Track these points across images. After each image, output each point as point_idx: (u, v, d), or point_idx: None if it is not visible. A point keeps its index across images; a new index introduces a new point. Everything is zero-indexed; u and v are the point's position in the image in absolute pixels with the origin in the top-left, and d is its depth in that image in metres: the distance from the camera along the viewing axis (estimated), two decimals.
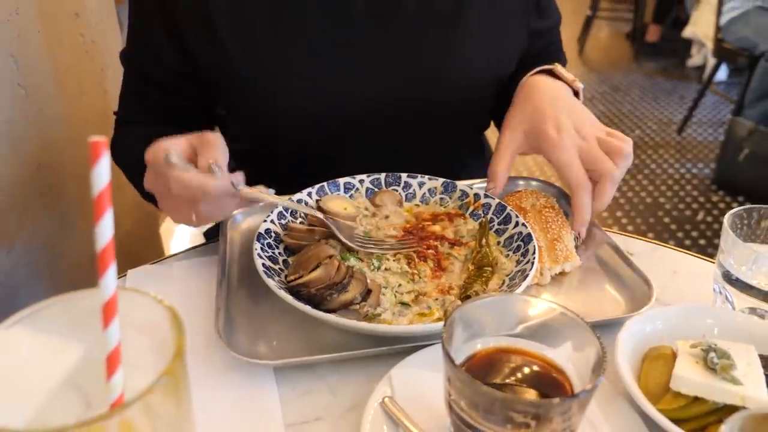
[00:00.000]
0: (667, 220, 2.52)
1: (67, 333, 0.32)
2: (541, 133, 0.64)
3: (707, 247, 2.33)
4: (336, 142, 0.73)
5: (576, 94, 0.72)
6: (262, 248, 0.56)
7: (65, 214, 0.94)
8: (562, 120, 0.63)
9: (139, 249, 1.23)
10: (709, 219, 2.55)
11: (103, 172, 0.28)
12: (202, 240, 0.77)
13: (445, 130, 0.80)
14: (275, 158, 0.80)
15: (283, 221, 0.62)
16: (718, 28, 2.99)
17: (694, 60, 4.38)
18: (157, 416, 0.31)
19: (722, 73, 4.05)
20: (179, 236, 1.94)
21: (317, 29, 0.70)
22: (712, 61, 3.38)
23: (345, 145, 0.73)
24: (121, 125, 0.83)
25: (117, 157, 0.77)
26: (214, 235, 0.85)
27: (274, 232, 0.60)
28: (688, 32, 3.93)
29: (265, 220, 0.60)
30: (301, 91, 0.71)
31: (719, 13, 2.98)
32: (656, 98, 3.94)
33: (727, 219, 0.52)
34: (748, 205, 0.54)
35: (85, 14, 1.00)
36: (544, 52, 0.84)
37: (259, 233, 0.57)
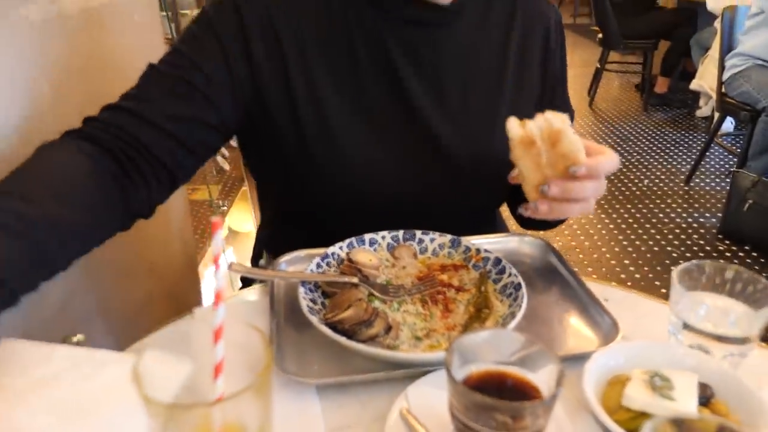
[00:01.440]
0: (674, 268, 2.62)
1: (186, 349, 0.47)
2: None
3: None
4: (370, 210, 0.86)
5: None
6: (305, 292, 0.70)
7: None
8: None
9: (185, 291, 1.37)
10: None
11: (219, 241, 0.43)
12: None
13: (467, 203, 0.93)
14: (309, 217, 0.92)
15: (320, 270, 0.76)
16: (721, 84, 3.12)
17: (703, 111, 4.49)
18: (247, 413, 0.44)
19: (729, 125, 4.15)
20: (210, 281, 2.09)
21: (379, 111, 0.84)
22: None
23: (377, 212, 0.85)
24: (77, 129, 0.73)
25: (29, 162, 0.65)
26: (246, 283, 0.97)
27: (312, 281, 0.74)
28: (694, 85, 4.05)
29: (305, 271, 0.75)
30: (356, 167, 0.83)
31: (721, 68, 3.11)
32: (665, 148, 4.05)
33: (675, 273, 0.65)
34: (696, 261, 0.67)
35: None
36: None
37: (303, 281, 0.72)
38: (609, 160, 0.71)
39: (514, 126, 0.70)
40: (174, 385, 0.45)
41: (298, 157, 0.84)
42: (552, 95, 0.97)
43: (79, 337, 0.60)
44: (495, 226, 1.07)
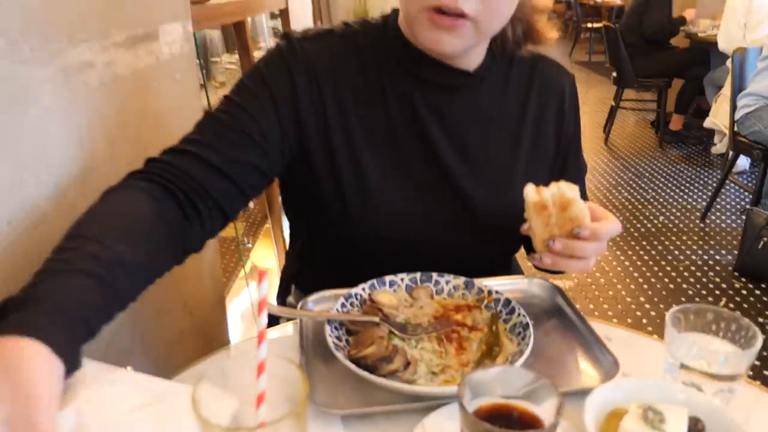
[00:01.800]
0: (690, 305, 2.64)
1: (227, 382, 0.54)
2: None
3: None
4: (395, 252, 0.93)
5: None
6: (331, 330, 0.78)
7: None
8: None
9: (214, 327, 1.45)
10: (732, 305, 2.66)
11: (264, 288, 0.50)
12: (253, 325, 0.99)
13: (486, 249, 1.02)
14: (338, 255, 1.00)
15: (344, 309, 0.84)
16: (734, 123, 3.17)
17: (717, 148, 4.52)
18: None
19: (745, 162, 4.18)
20: (235, 318, 2.17)
21: (410, 165, 0.93)
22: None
23: (401, 254, 0.93)
24: (142, 170, 0.80)
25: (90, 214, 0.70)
26: (273, 319, 1.05)
27: (337, 320, 0.82)
28: (708, 123, 4.10)
29: (331, 310, 0.82)
30: (387, 215, 0.92)
31: (733, 108, 3.17)
32: (680, 185, 4.08)
33: (668, 316, 0.72)
34: (685, 305, 0.73)
35: None
36: None
37: (329, 320, 0.79)
38: (611, 225, 0.81)
39: (530, 192, 0.80)
40: (226, 413, 0.53)
41: (333, 202, 0.92)
42: (566, 153, 1.05)
43: (129, 369, 0.68)
44: (510, 269, 1.14)
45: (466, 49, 0.87)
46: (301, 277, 1.14)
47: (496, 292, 0.86)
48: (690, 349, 0.71)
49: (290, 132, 0.89)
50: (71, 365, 0.54)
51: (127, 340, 0.98)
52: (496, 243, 1.02)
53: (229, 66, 2.66)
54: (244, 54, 2.51)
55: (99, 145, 0.89)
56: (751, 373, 0.67)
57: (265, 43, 3.38)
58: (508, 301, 0.84)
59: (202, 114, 1.31)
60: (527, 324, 0.79)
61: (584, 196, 1.11)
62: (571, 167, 1.06)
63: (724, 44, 4.25)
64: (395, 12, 0.95)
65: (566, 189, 0.78)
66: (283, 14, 3.29)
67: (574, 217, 0.78)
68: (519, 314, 0.81)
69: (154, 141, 1.08)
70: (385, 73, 0.93)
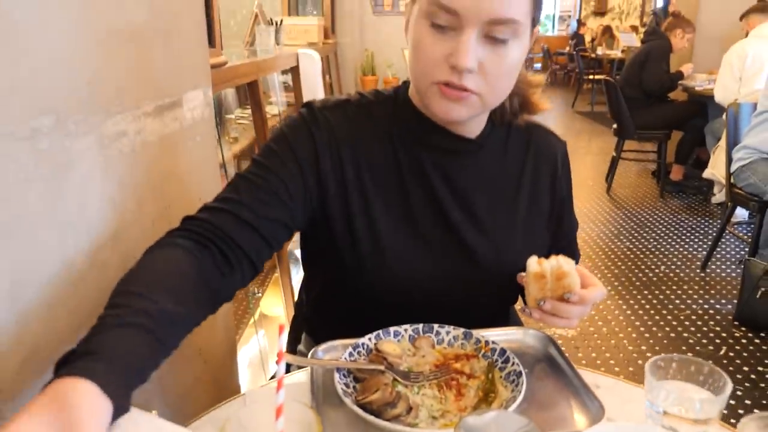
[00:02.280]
0: (691, 354, 2.66)
1: (244, 426, 0.61)
2: None
3: None
4: (404, 301, 1.02)
5: None
6: (339, 377, 0.84)
7: None
8: None
9: (226, 374, 1.51)
10: (732, 354, 2.69)
11: (284, 340, 0.58)
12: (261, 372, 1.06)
13: (488, 300, 1.10)
14: (349, 304, 1.08)
15: (352, 358, 0.91)
16: (730, 175, 3.25)
17: (717, 198, 4.60)
18: None
19: (744, 213, 4.24)
20: (243, 365, 2.22)
21: (422, 224, 1.02)
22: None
23: (410, 303, 1.02)
24: (178, 230, 0.87)
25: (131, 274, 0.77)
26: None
27: (346, 368, 0.88)
28: (707, 174, 4.18)
29: (339, 359, 0.89)
30: (400, 271, 1.00)
31: (729, 161, 3.26)
32: (681, 235, 4.14)
33: (647, 365, 0.78)
34: (663, 355, 0.80)
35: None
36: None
37: (337, 368, 0.86)
38: (598, 292, 0.92)
39: (533, 263, 0.90)
40: None
41: (349, 258, 1.01)
42: (561, 212, 1.15)
43: (154, 412, 0.74)
44: (508, 319, 1.21)
45: (470, 117, 0.97)
46: (313, 325, 1.21)
47: (493, 342, 0.93)
48: (668, 396, 0.77)
49: (313, 192, 0.98)
50: (120, 408, 0.61)
51: (148, 386, 1.05)
52: (498, 296, 1.13)
53: (241, 121, 2.78)
54: (256, 109, 2.64)
55: (128, 206, 0.98)
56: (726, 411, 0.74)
57: (276, 97, 3.52)
58: (503, 351, 0.91)
59: (218, 170, 1.41)
60: (521, 372, 0.85)
61: (576, 250, 1.19)
62: (565, 224, 1.17)
63: (721, 96, 4.38)
64: (405, 84, 1.06)
65: (564, 263, 0.89)
66: (294, 70, 3.45)
67: (566, 285, 0.89)
68: (513, 363, 0.88)
69: (176, 199, 1.18)
70: (397, 139, 1.03)
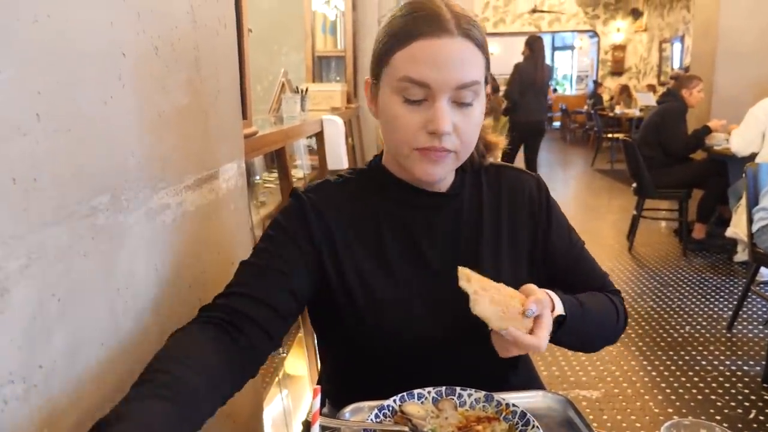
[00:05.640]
0: (719, 417, 2.60)
1: None
2: None
3: None
4: (409, 359, 1.07)
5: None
6: None
7: None
8: None
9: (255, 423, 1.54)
10: (761, 417, 2.63)
11: (318, 403, 0.63)
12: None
13: (491, 348, 1.12)
14: (361, 370, 1.13)
15: (378, 420, 0.95)
16: (751, 235, 3.26)
17: (740, 256, 4.55)
18: None
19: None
20: (267, 425, 2.25)
21: (408, 277, 1.09)
22: None
23: (416, 360, 1.07)
24: (202, 314, 0.96)
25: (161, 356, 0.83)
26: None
27: (372, 429, 0.92)
28: (730, 233, 4.17)
29: (366, 420, 0.94)
30: (395, 324, 1.06)
31: (749, 221, 3.27)
32: (705, 294, 4.10)
33: (663, 428, 0.82)
34: (676, 420, 0.83)
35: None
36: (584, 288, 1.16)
37: (365, 429, 0.90)
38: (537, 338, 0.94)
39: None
40: None
41: (348, 316, 1.09)
42: (576, 261, 1.20)
43: None
44: (518, 364, 1.22)
45: (446, 174, 1.08)
46: (332, 395, 1.26)
47: (513, 405, 0.97)
48: None
49: (311, 264, 1.07)
50: None
51: None
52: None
53: (268, 185, 2.89)
54: (283, 175, 2.75)
55: (169, 273, 1.05)
56: None
57: (301, 160, 3.64)
58: (524, 414, 0.94)
59: (249, 234, 1.48)
60: None
61: (596, 268, 1.23)
62: (582, 267, 1.21)
63: (740, 147, 4.39)
64: (376, 156, 1.18)
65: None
66: (318, 135, 3.58)
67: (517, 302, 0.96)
68: (533, 426, 0.91)
69: (211, 264, 1.25)
70: (377, 203, 1.13)
